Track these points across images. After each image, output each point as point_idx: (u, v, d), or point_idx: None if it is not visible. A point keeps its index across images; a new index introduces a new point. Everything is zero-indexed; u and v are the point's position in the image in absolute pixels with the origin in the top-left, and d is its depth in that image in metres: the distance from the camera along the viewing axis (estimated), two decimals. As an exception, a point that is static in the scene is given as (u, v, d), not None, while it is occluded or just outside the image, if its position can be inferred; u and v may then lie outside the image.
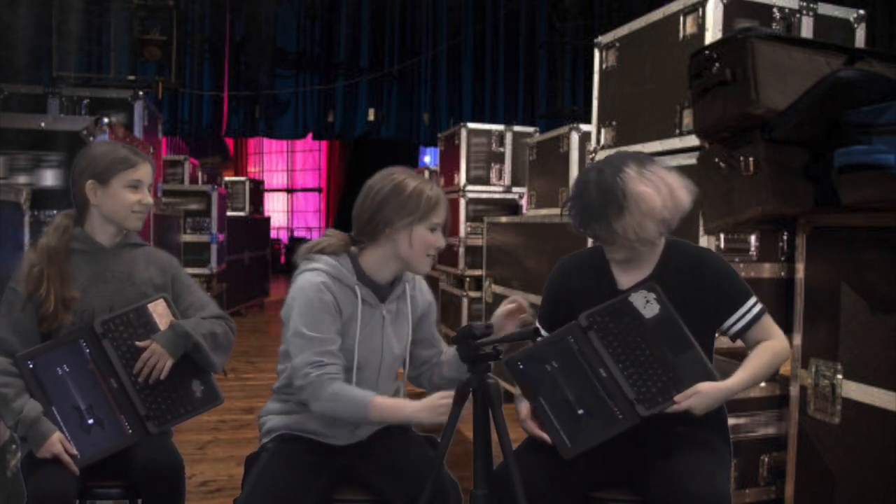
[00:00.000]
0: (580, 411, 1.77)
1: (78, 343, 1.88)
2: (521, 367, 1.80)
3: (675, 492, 1.62)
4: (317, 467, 1.77)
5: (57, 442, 1.76)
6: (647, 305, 1.79)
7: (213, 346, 1.96)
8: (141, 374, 1.88)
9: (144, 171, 1.97)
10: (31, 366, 1.83)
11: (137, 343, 1.89)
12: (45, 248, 1.90)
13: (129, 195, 1.94)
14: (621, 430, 1.74)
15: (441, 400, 1.67)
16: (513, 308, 1.82)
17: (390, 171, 1.84)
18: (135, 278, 1.98)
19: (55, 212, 2.47)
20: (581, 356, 1.80)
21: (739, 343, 2.44)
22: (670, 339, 1.77)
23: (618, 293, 1.84)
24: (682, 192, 1.77)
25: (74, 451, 1.79)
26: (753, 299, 1.83)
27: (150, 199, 1.99)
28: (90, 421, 1.85)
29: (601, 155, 3.00)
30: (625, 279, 1.86)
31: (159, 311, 1.95)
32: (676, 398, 1.72)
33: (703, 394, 1.70)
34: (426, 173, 6.78)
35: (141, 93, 4.14)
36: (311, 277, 1.78)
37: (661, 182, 1.74)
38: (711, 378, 1.73)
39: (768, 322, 1.84)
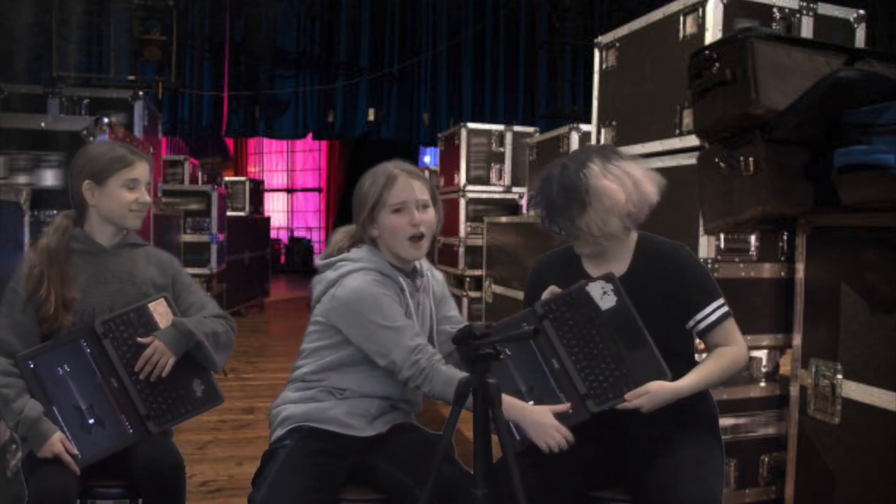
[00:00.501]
0: (530, 402, 1.77)
1: (78, 343, 1.88)
2: None
3: (667, 498, 1.63)
4: (333, 467, 1.77)
5: (58, 442, 1.77)
6: (605, 297, 1.78)
7: (215, 345, 1.96)
8: (143, 370, 1.89)
9: (141, 170, 1.97)
10: (31, 366, 1.83)
11: (139, 339, 1.90)
12: (45, 248, 1.90)
13: (125, 194, 1.94)
14: (569, 426, 1.73)
15: (554, 433, 1.70)
16: None
17: (368, 171, 1.88)
18: (135, 278, 1.99)
19: (55, 212, 2.47)
20: (535, 345, 1.80)
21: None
22: (625, 334, 1.76)
23: None
24: (648, 185, 1.76)
25: (75, 451, 1.79)
26: (721, 300, 1.82)
27: (147, 198, 1.99)
28: (91, 421, 1.85)
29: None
30: (598, 274, 1.86)
31: (160, 311, 1.96)
32: (627, 396, 1.72)
33: (652, 393, 1.70)
34: (426, 172, 6.77)
35: (141, 93, 4.14)
36: (361, 277, 1.80)
37: (626, 176, 1.73)
38: (663, 376, 1.72)
39: (732, 326, 1.83)
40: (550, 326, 1.79)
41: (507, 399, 1.68)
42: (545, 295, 1.82)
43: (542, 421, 1.72)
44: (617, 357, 1.76)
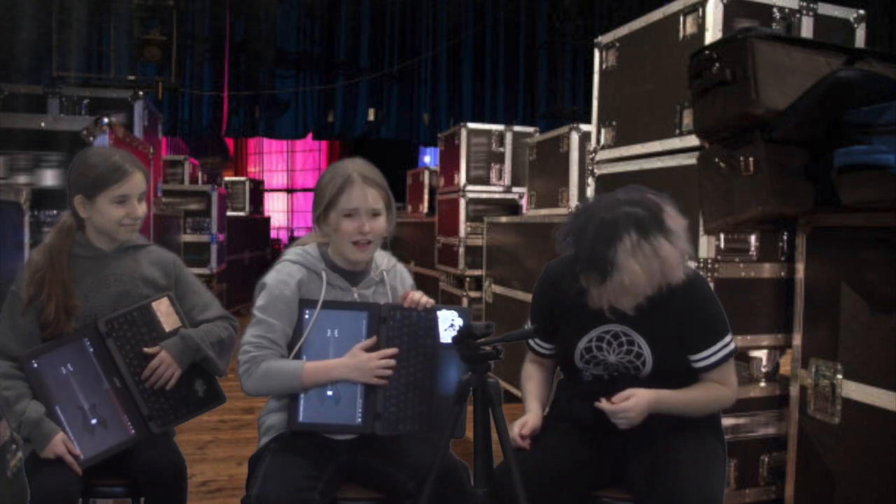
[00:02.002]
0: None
1: (82, 342, 1.89)
2: None
3: (670, 500, 1.63)
4: (322, 460, 1.78)
5: (60, 443, 1.77)
6: (449, 329, 1.80)
7: (220, 352, 1.99)
8: (148, 381, 1.90)
9: (131, 185, 1.93)
10: (35, 365, 1.83)
11: (146, 350, 1.91)
12: (47, 251, 1.90)
13: (115, 211, 1.92)
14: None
15: (370, 362, 1.75)
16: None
17: (330, 166, 1.89)
18: (137, 281, 1.98)
19: (55, 212, 2.47)
20: (382, 330, 1.82)
21: (739, 343, 2.45)
22: (443, 372, 1.78)
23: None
24: (677, 268, 1.66)
25: (77, 451, 1.80)
26: (726, 339, 1.80)
27: (139, 212, 1.96)
28: (94, 421, 1.86)
29: (601, 155, 3.00)
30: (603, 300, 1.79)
31: (163, 310, 1.96)
32: (614, 399, 1.70)
33: (638, 396, 1.69)
34: (426, 173, 6.77)
35: (141, 93, 4.14)
36: (278, 268, 1.86)
37: (655, 258, 1.63)
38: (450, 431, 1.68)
39: (729, 368, 1.81)
40: (385, 330, 1.81)
41: (313, 366, 1.75)
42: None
43: (357, 365, 1.76)
44: (422, 388, 1.79)
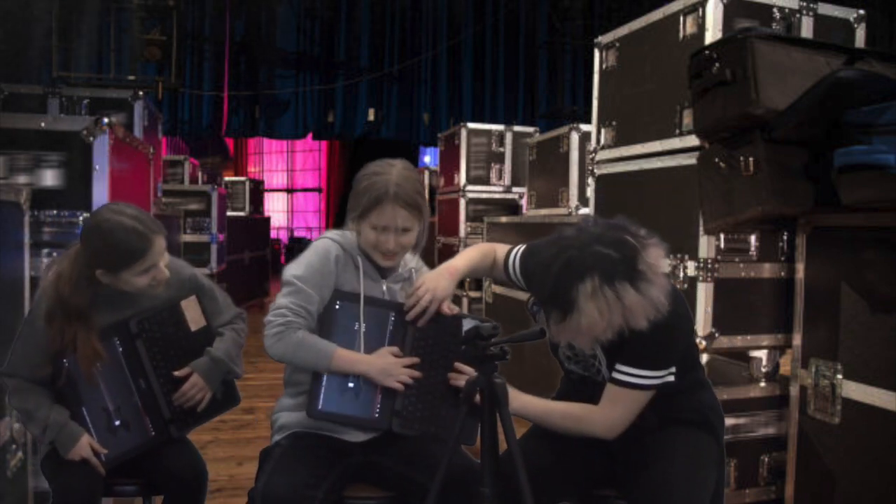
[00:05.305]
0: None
1: (112, 341, 1.89)
2: None
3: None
4: (330, 461, 1.78)
5: (86, 445, 1.80)
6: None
7: (238, 360, 2.01)
8: (178, 401, 1.92)
9: (153, 254, 1.86)
10: (66, 363, 1.83)
11: (176, 373, 1.92)
12: (61, 293, 1.82)
13: (140, 279, 1.87)
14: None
15: (395, 367, 1.77)
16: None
17: (376, 163, 1.88)
18: (153, 301, 1.96)
19: (55, 212, 2.47)
20: (392, 327, 1.85)
21: (739, 343, 2.45)
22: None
23: None
24: (640, 317, 1.56)
25: (103, 450, 1.82)
26: (650, 373, 1.69)
27: (164, 273, 1.91)
28: (117, 422, 1.88)
29: (601, 155, 3.00)
30: None
31: (191, 309, 1.98)
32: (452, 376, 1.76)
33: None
34: (426, 173, 6.78)
35: (141, 93, 4.14)
36: (323, 242, 1.87)
37: (617, 305, 1.54)
38: (461, 436, 1.70)
39: (627, 397, 1.71)
40: (412, 331, 1.81)
41: (344, 353, 1.75)
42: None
43: (386, 363, 1.77)
44: (442, 391, 1.79)
